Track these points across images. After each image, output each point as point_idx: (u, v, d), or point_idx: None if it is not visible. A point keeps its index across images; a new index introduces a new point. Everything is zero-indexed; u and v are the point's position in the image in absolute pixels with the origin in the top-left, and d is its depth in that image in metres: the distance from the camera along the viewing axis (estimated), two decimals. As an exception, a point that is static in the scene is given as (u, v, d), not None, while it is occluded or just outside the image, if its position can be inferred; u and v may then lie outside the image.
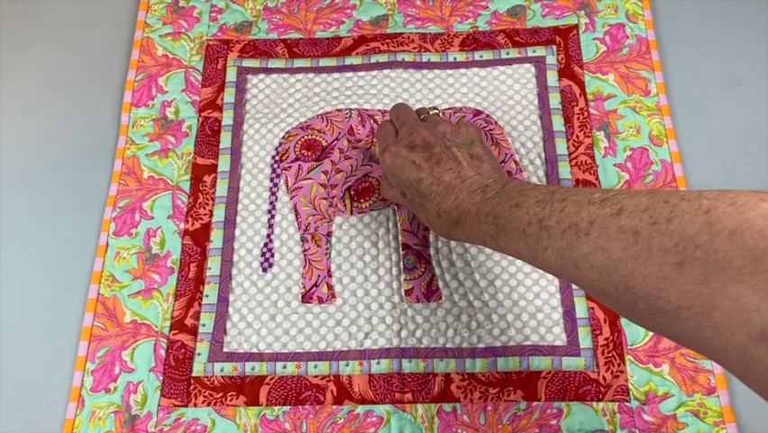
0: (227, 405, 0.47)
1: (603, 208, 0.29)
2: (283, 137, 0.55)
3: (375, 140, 0.51)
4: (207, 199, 0.53)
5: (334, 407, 0.47)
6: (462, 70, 0.57)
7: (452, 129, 0.43)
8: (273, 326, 0.49)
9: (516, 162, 0.54)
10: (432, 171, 0.41)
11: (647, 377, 0.46)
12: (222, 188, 0.54)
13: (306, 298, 0.50)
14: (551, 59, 0.57)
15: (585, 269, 0.29)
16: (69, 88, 0.59)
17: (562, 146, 0.54)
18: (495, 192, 0.38)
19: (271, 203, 0.53)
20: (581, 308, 0.49)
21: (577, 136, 0.54)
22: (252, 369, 0.48)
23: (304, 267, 0.51)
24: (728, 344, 0.24)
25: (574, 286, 0.49)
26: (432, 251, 0.51)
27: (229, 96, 0.57)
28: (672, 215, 0.26)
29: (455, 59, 0.58)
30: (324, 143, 0.55)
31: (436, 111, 0.47)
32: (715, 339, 0.24)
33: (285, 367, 0.48)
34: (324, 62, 0.58)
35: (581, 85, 0.56)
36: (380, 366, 0.47)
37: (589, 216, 0.30)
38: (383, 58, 0.58)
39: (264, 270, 0.51)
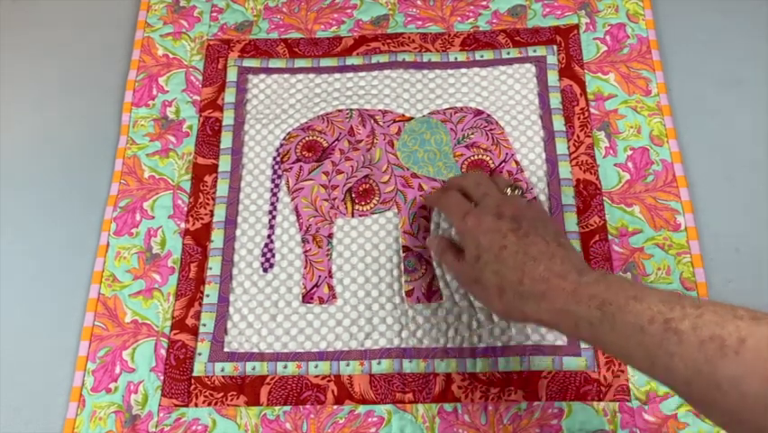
0: (228, 405, 0.47)
1: (758, 326, 0.26)
2: (284, 138, 0.55)
3: (435, 208, 0.49)
4: (208, 199, 0.53)
5: (335, 407, 0.47)
6: (463, 70, 0.57)
7: (541, 214, 0.41)
8: (274, 326, 0.49)
9: (516, 162, 0.54)
10: (518, 241, 0.38)
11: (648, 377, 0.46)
12: (222, 189, 0.54)
13: (306, 298, 0.50)
14: (551, 59, 0.57)
15: (732, 393, 0.25)
16: (70, 88, 0.59)
17: (562, 146, 0.54)
18: (596, 276, 0.34)
19: (272, 204, 0.53)
20: (582, 308, 0.48)
21: (578, 136, 0.54)
22: (253, 369, 0.48)
23: (305, 268, 0.51)
24: None
25: None
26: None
27: (230, 95, 0.57)
28: None
29: (456, 58, 0.58)
30: (325, 144, 0.55)
31: (521, 189, 0.44)
32: None
33: (286, 367, 0.48)
34: (324, 62, 0.58)
35: (582, 85, 0.56)
36: (381, 366, 0.47)
37: (738, 332, 0.26)
38: (384, 58, 0.58)
39: (265, 270, 0.51)
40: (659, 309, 0.29)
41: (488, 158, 0.54)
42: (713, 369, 0.26)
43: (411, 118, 0.56)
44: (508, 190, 0.44)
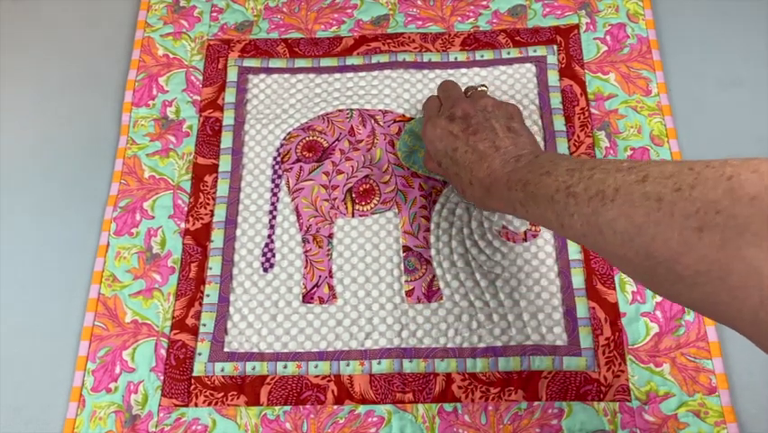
0: (228, 405, 0.47)
1: (629, 175, 0.30)
2: (284, 138, 0.55)
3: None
4: (208, 199, 0.53)
5: (335, 407, 0.47)
6: (463, 70, 0.57)
7: (494, 103, 0.45)
8: (274, 325, 0.49)
9: (516, 162, 0.54)
10: (467, 141, 0.42)
11: (648, 377, 0.46)
12: (223, 188, 0.54)
13: (307, 298, 0.50)
14: (552, 59, 0.57)
15: (609, 234, 0.30)
16: (70, 88, 0.59)
17: (563, 146, 0.54)
18: (527, 161, 0.39)
19: (272, 204, 0.53)
20: (582, 307, 0.49)
21: (578, 136, 0.54)
22: (253, 369, 0.48)
23: (305, 267, 0.51)
24: (742, 308, 0.24)
25: (575, 285, 0.49)
26: (433, 252, 0.51)
27: (230, 95, 0.57)
28: (695, 181, 0.26)
29: (456, 58, 0.58)
30: (326, 144, 0.55)
31: (485, 88, 0.49)
32: (730, 303, 0.25)
33: (286, 367, 0.48)
34: (324, 62, 0.58)
35: (582, 85, 0.56)
36: (381, 366, 0.47)
37: (615, 183, 0.30)
38: (384, 58, 0.58)
39: (265, 270, 0.51)
40: (563, 180, 0.34)
41: (488, 158, 0.54)
42: (597, 218, 0.30)
43: (411, 118, 0.56)
44: (470, 92, 0.48)
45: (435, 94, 0.50)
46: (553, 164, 0.36)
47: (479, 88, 0.48)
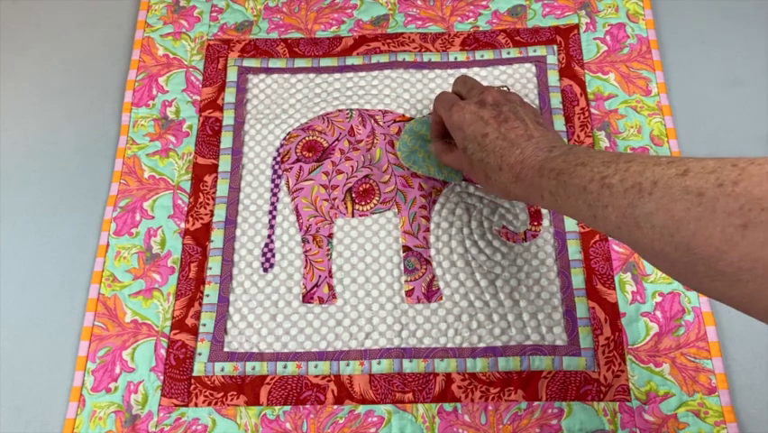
0: (228, 405, 0.47)
1: (669, 169, 0.29)
2: (284, 138, 0.55)
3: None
4: (208, 199, 0.53)
5: (335, 407, 0.47)
6: (463, 70, 0.57)
7: (521, 100, 0.44)
8: (274, 325, 0.49)
9: (516, 162, 0.54)
10: (498, 128, 0.41)
11: (648, 377, 0.46)
12: (223, 188, 0.54)
13: (306, 298, 0.50)
14: (551, 59, 0.57)
15: (647, 228, 0.29)
16: (70, 88, 0.59)
17: (562, 146, 0.54)
18: (561, 152, 0.38)
19: (272, 204, 0.53)
20: (582, 307, 0.49)
21: (578, 136, 0.54)
22: (253, 369, 0.48)
23: (305, 267, 0.51)
24: None
25: (575, 285, 0.49)
26: (432, 252, 0.51)
27: (230, 95, 0.57)
28: (739, 177, 0.26)
29: (456, 58, 0.58)
30: (325, 144, 0.55)
31: (506, 88, 0.48)
32: None
33: (285, 367, 0.48)
34: (324, 62, 0.58)
35: (582, 85, 0.56)
36: (381, 366, 0.47)
37: (653, 176, 0.29)
38: (384, 58, 0.58)
39: (265, 270, 0.51)
40: (599, 170, 0.33)
41: (488, 158, 0.54)
42: (633, 210, 0.30)
43: (411, 118, 0.56)
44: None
45: (442, 92, 0.49)
46: (589, 156, 0.35)
47: (501, 88, 0.47)
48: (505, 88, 0.48)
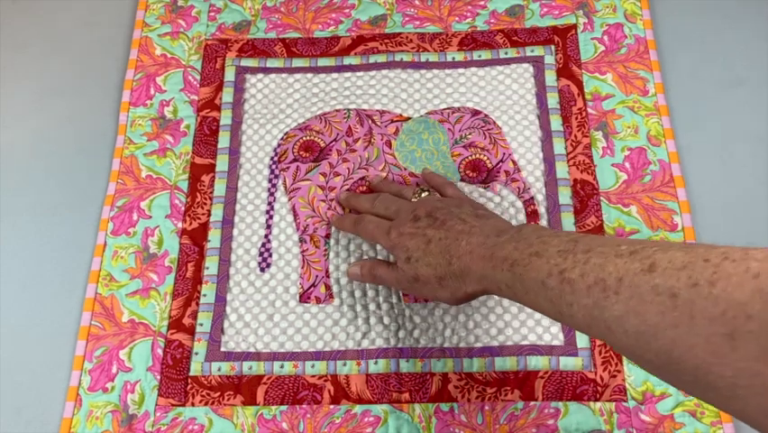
0: (224, 404, 0.47)
1: (632, 263, 0.26)
2: (282, 138, 0.55)
3: (364, 237, 0.49)
4: (205, 199, 0.53)
5: (332, 406, 0.47)
6: (461, 70, 0.57)
7: (453, 201, 0.43)
8: (271, 325, 0.49)
9: (514, 162, 0.54)
10: (439, 231, 0.39)
11: (645, 377, 0.46)
12: (220, 188, 0.54)
13: (303, 298, 0.50)
14: (549, 59, 0.57)
15: (619, 333, 0.26)
16: (68, 88, 0.59)
17: (560, 146, 0.54)
18: (510, 236, 0.35)
19: (269, 203, 0.53)
20: (579, 308, 0.48)
21: (575, 136, 0.54)
22: (250, 368, 0.48)
23: (302, 267, 0.51)
24: None
25: None
26: (429, 251, 0.51)
27: (227, 95, 0.57)
28: (714, 277, 0.23)
29: (453, 58, 0.58)
30: (323, 144, 0.55)
31: (426, 192, 0.46)
32: None
33: (282, 367, 0.48)
34: (322, 62, 0.58)
35: (580, 85, 0.56)
36: (378, 366, 0.47)
37: (617, 272, 0.27)
38: (381, 58, 0.58)
39: (262, 270, 0.51)
40: (555, 262, 0.30)
41: (485, 158, 0.54)
42: (601, 312, 0.27)
43: (409, 118, 0.56)
44: (415, 198, 0.46)
45: (366, 219, 0.47)
46: (542, 243, 0.32)
47: (422, 194, 0.46)
48: (426, 193, 0.46)
